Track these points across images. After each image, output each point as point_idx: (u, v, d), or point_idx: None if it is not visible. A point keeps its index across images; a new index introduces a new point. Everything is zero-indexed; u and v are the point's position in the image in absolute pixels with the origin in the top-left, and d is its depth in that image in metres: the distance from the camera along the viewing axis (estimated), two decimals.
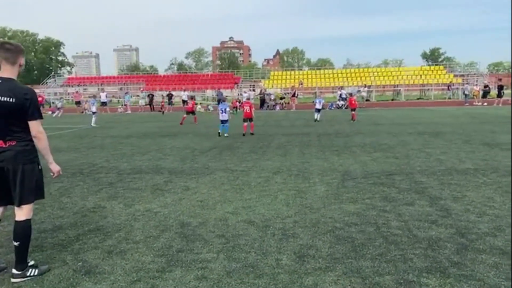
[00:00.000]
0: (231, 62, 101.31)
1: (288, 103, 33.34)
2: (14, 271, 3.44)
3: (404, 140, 11.61)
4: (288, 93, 35.91)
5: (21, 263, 3.44)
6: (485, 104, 30.65)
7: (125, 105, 35.71)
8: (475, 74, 48.73)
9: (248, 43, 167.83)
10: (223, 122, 13.79)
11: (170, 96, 35.49)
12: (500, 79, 36.08)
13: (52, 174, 3.61)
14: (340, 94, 32.10)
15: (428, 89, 42.70)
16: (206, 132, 15.56)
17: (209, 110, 33.17)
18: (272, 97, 35.91)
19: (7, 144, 3.33)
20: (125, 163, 9.01)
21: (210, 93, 44.53)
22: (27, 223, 3.43)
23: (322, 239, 4.18)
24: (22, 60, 3.46)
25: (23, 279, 3.42)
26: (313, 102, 21.21)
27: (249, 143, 11.93)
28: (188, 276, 3.41)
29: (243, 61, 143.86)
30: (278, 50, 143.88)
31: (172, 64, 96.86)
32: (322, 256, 3.74)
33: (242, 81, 50.93)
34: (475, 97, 33.48)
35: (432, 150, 9.73)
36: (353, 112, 19.32)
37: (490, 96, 34.54)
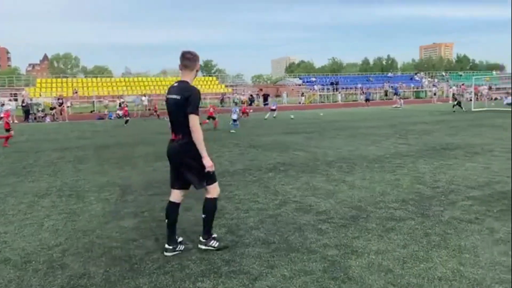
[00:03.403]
0: None
1: (61, 113, 30.03)
2: (201, 238, 4.07)
3: None
4: (58, 102, 32.19)
5: (206, 233, 4.04)
6: (251, 110, 35.26)
7: None
8: (242, 84, 55.51)
9: (4, 45, 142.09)
10: (234, 121, 17.82)
11: None
12: (261, 89, 42.32)
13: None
14: (120, 104, 31.02)
15: (204, 98, 46.10)
16: None
17: None
18: (41, 107, 31.66)
19: (176, 137, 3.86)
20: None
21: None
22: (212, 201, 4.00)
23: (96, 263, 3.83)
24: (198, 66, 3.98)
25: (205, 247, 3.99)
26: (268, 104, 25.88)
27: (8, 163, 10.07)
28: None
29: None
30: (46, 55, 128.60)
31: None
32: (96, 283, 3.41)
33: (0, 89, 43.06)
34: (243, 104, 38.05)
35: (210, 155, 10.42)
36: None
37: (255, 104, 40.05)
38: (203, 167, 3.83)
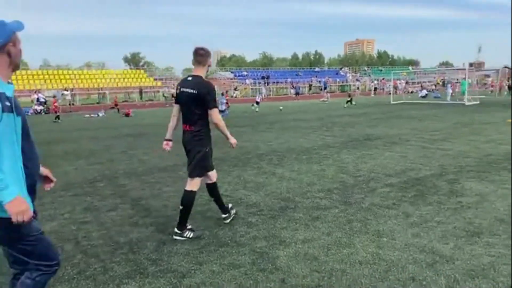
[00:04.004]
0: None
1: None
2: (175, 229, 4.20)
3: (108, 144, 11.50)
4: None
5: (181, 224, 4.20)
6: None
7: None
8: (171, 78, 54.22)
9: None
10: (221, 111, 17.41)
11: None
12: None
13: (230, 145, 4.39)
14: (38, 98, 28.79)
15: (132, 92, 44.36)
16: None
17: None
18: None
19: (188, 128, 4.19)
20: None
21: None
22: (190, 194, 4.22)
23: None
24: (210, 62, 4.35)
25: (180, 238, 4.14)
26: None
27: None
28: None
29: None
30: None
31: None
32: None
33: None
34: (174, 98, 37.31)
35: (136, 151, 10.06)
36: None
37: None
38: (202, 159, 4.16)
